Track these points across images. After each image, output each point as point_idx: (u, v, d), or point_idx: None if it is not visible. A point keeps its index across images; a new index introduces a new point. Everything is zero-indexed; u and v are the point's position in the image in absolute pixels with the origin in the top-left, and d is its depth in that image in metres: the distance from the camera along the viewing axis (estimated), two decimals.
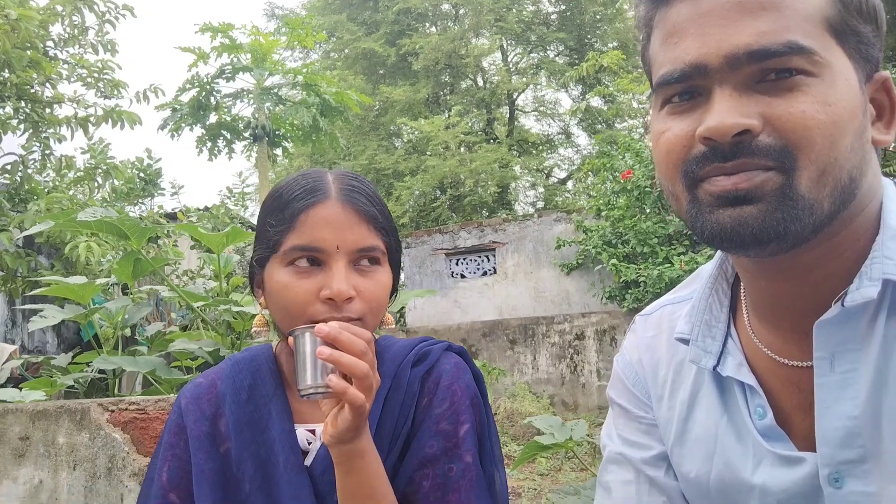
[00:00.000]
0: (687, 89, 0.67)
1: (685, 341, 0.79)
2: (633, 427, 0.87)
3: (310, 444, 0.93)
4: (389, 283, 0.93)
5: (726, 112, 0.63)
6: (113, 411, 1.71)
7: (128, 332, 3.33)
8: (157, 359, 2.00)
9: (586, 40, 17.13)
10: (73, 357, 2.46)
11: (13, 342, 7.74)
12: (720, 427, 0.77)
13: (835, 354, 0.67)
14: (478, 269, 10.15)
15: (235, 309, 1.85)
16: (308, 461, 0.91)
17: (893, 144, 0.71)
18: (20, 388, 2.36)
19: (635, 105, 11.16)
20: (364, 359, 0.77)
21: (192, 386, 1.01)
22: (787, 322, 0.72)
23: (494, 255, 9.94)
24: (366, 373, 0.77)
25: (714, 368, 0.77)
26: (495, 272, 9.91)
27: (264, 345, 1.03)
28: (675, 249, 7.11)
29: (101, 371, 2.37)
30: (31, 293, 3.03)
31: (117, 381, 2.29)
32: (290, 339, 0.82)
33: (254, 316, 1.98)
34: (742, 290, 0.79)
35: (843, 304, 0.66)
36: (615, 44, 16.26)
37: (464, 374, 0.95)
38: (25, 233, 2.13)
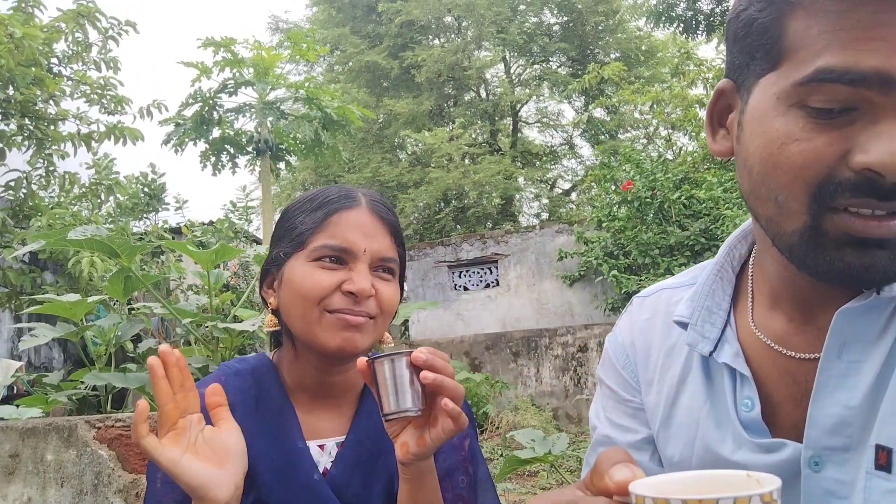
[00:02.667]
0: (846, 101, 0.58)
1: (683, 325, 0.79)
2: (621, 410, 0.87)
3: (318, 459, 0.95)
4: (399, 295, 0.99)
5: None
6: (100, 428, 1.72)
7: (130, 347, 3.33)
8: (147, 375, 2.01)
9: (589, 51, 17.20)
10: (67, 374, 2.48)
11: (20, 358, 7.77)
12: (702, 413, 0.77)
13: (846, 343, 0.67)
14: (480, 281, 10.13)
15: (222, 325, 1.86)
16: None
17: None
18: (17, 406, 2.36)
19: (637, 116, 11.19)
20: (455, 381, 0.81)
21: None
22: (802, 314, 0.72)
23: (497, 267, 9.94)
24: (463, 394, 0.81)
25: (710, 354, 0.76)
26: (498, 284, 9.89)
27: (259, 354, 1.03)
28: (676, 260, 7.10)
29: (94, 388, 2.38)
30: (28, 311, 3.06)
31: (109, 397, 2.31)
32: (367, 363, 0.81)
33: (241, 332, 2.00)
34: (750, 279, 0.78)
35: (877, 292, 0.65)
36: (617, 54, 16.31)
37: None
38: (21, 250, 2.16)
